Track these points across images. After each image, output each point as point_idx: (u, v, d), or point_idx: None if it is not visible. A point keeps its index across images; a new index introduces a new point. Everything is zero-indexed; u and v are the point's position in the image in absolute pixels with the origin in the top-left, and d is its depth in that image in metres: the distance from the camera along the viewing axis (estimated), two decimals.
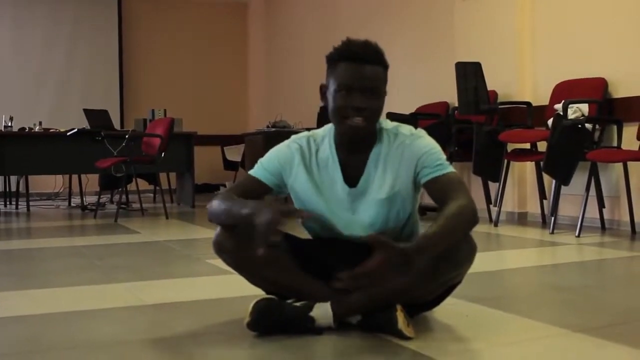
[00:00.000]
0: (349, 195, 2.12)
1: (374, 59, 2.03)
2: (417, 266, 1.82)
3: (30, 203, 7.60)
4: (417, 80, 6.81)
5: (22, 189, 7.97)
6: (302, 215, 2.04)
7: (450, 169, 2.05)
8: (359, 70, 2.01)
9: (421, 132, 2.13)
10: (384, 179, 2.09)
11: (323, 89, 2.10)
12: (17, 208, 7.70)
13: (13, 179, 8.11)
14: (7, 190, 8.01)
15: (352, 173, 2.12)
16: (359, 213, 2.13)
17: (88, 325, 2.28)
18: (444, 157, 2.08)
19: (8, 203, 8.01)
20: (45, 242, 4.72)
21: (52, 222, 6.14)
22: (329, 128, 2.18)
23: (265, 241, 1.85)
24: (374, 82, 2.01)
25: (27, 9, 9.64)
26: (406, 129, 2.13)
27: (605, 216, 4.82)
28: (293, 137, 2.22)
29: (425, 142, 2.09)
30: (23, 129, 7.22)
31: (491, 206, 5.49)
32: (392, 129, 2.13)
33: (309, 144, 2.18)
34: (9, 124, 7.10)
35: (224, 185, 9.97)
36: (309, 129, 2.31)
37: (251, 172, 2.20)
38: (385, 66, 2.06)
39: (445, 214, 1.92)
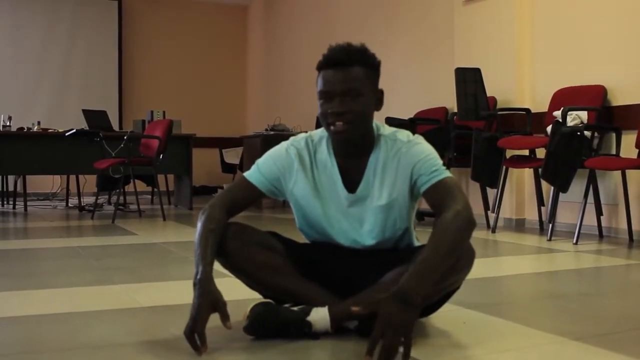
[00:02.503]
0: (348, 200, 2.12)
1: (351, 60, 2.00)
2: (418, 295, 1.77)
3: (28, 203, 7.59)
4: (416, 85, 6.82)
5: (19, 188, 7.96)
6: (227, 326, 1.90)
7: (446, 174, 2.04)
8: (334, 75, 2.00)
9: (418, 138, 2.12)
10: (382, 186, 2.08)
11: None
12: (14, 208, 7.69)
13: (11, 178, 8.12)
14: (5, 189, 8.01)
15: (351, 178, 2.11)
16: (357, 219, 2.12)
17: (84, 326, 2.27)
18: (440, 162, 2.07)
19: (5, 203, 8.01)
20: (42, 242, 4.71)
21: (49, 223, 6.13)
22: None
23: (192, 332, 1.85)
24: (351, 83, 1.99)
25: (26, 9, 9.64)
26: (404, 134, 2.12)
27: (603, 224, 4.82)
28: (291, 139, 2.21)
29: (421, 149, 2.08)
30: (21, 128, 7.22)
31: (489, 212, 5.49)
32: (390, 135, 2.12)
33: (307, 145, 2.17)
34: (8, 124, 7.10)
35: (222, 188, 9.97)
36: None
37: (247, 174, 2.19)
38: (368, 65, 2.04)
39: (434, 239, 1.88)
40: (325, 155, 2.14)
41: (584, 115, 4.74)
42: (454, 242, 1.89)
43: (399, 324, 1.72)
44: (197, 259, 1.99)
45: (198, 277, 1.93)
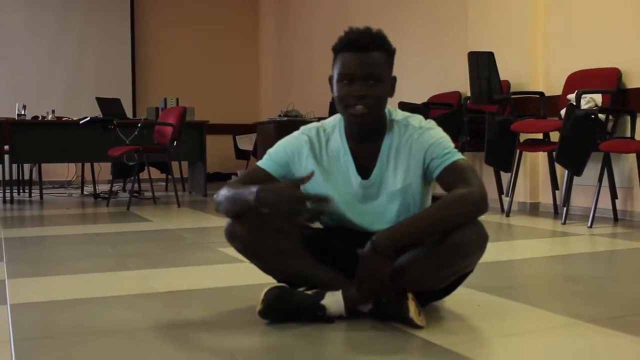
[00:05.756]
0: (361, 187, 2.12)
1: (373, 45, 2.02)
2: (389, 247, 1.91)
3: (44, 191, 7.64)
4: (430, 69, 6.80)
5: (35, 177, 8.01)
6: (304, 181, 1.95)
7: (458, 156, 2.04)
8: (357, 58, 2.00)
9: (430, 123, 2.12)
10: (396, 171, 2.09)
11: (331, 81, 2.10)
12: (30, 196, 7.74)
13: (26, 167, 8.16)
14: (21, 178, 8.06)
15: (364, 164, 2.12)
16: (371, 205, 2.13)
17: (100, 312, 2.30)
18: (452, 145, 2.07)
19: (21, 191, 8.06)
20: (58, 229, 4.75)
21: (65, 210, 6.18)
22: (339, 118, 2.18)
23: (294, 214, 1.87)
24: (373, 68, 2.01)
25: None
26: (416, 120, 2.12)
27: (618, 207, 4.79)
28: (302, 128, 2.22)
29: (433, 134, 2.08)
30: (36, 117, 7.26)
31: (503, 196, 5.48)
32: (403, 120, 2.12)
33: (318, 135, 2.18)
34: (23, 113, 7.13)
35: (236, 174, 9.99)
36: (320, 119, 2.31)
37: (259, 163, 2.21)
38: (387, 51, 2.05)
39: (436, 203, 2.01)
40: (339, 143, 2.15)
41: (598, 98, 4.71)
42: (452, 216, 1.95)
43: (372, 273, 1.93)
44: (242, 193, 1.99)
45: (255, 189, 1.93)
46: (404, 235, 1.94)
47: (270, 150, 2.21)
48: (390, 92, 2.10)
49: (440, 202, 1.99)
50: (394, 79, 2.10)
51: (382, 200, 2.11)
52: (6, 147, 6.78)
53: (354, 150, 2.13)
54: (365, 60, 2.00)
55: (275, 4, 10.49)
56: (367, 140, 2.12)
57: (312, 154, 2.15)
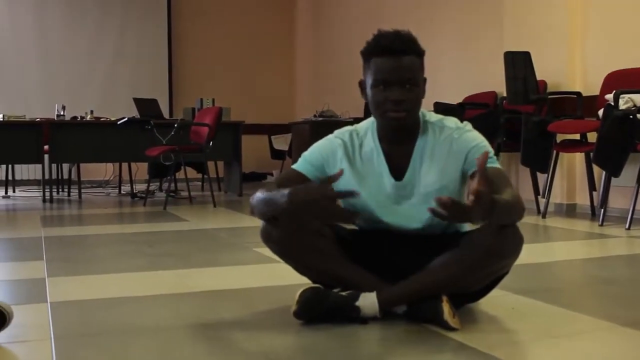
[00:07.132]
0: (395, 188, 2.13)
1: (406, 48, 2.03)
2: (486, 212, 1.76)
3: (82, 190, 7.75)
4: (465, 69, 6.76)
5: (74, 176, 8.13)
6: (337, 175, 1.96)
7: (497, 164, 2.05)
8: (392, 63, 2.01)
9: (467, 125, 2.13)
10: (430, 172, 2.09)
11: (362, 85, 2.12)
12: (69, 195, 7.86)
13: (65, 166, 8.29)
14: (60, 177, 8.18)
15: (397, 165, 2.13)
16: (405, 206, 2.13)
17: (136, 310, 2.33)
18: (492, 151, 2.08)
19: (60, 190, 8.18)
20: (96, 229, 4.82)
21: (102, 209, 6.26)
22: (371, 121, 2.19)
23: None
24: (409, 73, 2.02)
25: (78, 0, 9.80)
26: (451, 122, 2.13)
27: None
28: (336, 132, 2.24)
29: (474, 136, 2.10)
30: (75, 117, 7.36)
31: (539, 197, 5.43)
32: (437, 122, 2.13)
33: (351, 138, 2.20)
34: (62, 113, 7.23)
35: (271, 174, 10.03)
36: (355, 119, 2.33)
37: (294, 165, 2.23)
38: (418, 54, 2.06)
39: (509, 194, 1.90)
40: (372, 146, 2.16)
41: (637, 98, 4.64)
42: (515, 207, 1.92)
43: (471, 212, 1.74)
44: (272, 195, 2.00)
45: (287, 191, 1.93)
46: (505, 207, 1.85)
47: (305, 154, 2.23)
48: (423, 94, 2.11)
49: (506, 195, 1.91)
50: (425, 80, 2.11)
51: (416, 201, 2.12)
52: (46, 147, 6.89)
53: (387, 152, 2.14)
54: (401, 65, 2.01)
55: (311, 4, 10.51)
56: (400, 142, 2.13)
57: (346, 157, 2.17)
